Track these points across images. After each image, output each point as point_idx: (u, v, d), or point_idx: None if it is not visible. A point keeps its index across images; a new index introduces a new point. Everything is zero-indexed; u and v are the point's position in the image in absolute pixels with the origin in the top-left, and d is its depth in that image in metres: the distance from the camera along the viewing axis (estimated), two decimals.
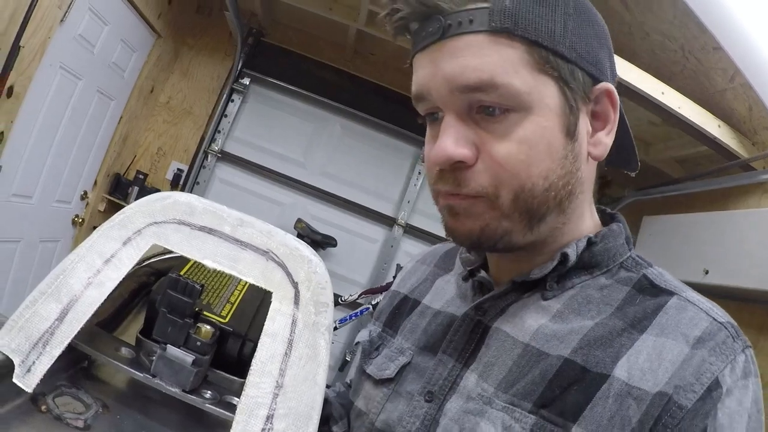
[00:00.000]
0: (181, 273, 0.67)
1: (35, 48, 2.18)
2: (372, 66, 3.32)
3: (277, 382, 0.53)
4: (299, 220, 3.23)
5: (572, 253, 0.56)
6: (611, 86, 0.55)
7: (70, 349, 0.56)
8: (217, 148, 3.34)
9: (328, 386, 0.65)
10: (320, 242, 3.20)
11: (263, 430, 0.51)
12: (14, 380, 0.52)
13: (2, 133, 2.19)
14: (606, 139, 0.56)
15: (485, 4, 0.50)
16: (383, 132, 3.35)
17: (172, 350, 0.60)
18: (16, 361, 0.52)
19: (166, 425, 0.50)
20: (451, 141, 0.51)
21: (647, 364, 0.48)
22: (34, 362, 0.53)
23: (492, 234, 0.54)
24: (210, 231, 0.59)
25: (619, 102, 0.56)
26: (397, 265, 3.15)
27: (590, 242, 0.57)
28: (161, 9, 2.93)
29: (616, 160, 0.63)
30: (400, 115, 3.21)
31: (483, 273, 0.63)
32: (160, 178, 3.35)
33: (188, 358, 0.59)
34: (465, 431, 0.52)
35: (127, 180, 3.19)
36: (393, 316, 0.72)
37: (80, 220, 2.93)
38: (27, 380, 0.52)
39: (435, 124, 0.56)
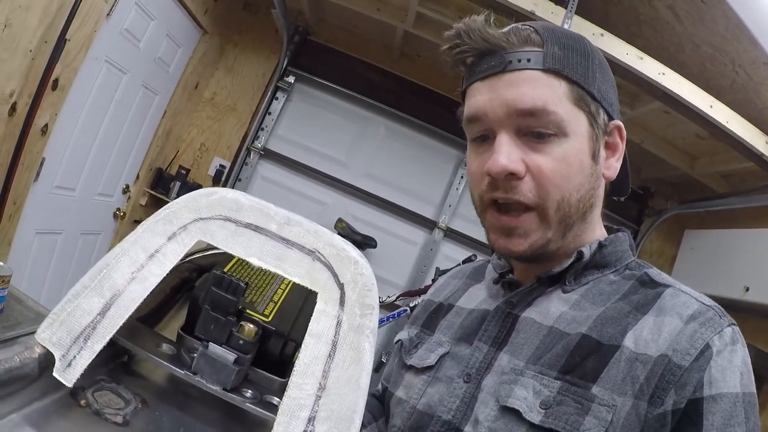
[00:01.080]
0: (225, 270, 0.67)
1: (81, 41, 2.19)
2: (418, 68, 3.25)
3: (320, 383, 0.52)
4: (340, 220, 3.19)
5: (587, 252, 0.69)
6: (621, 124, 0.70)
7: (111, 343, 0.56)
8: (260, 145, 3.32)
9: None
10: (360, 243, 3.15)
11: (304, 431, 0.50)
12: (54, 374, 0.52)
13: (46, 125, 2.20)
14: (616, 164, 0.71)
15: (539, 49, 0.64)
16: (427, 134, 3.28)
17: (214, 348, 0.60)
18: (57, 355, 0.52)
19: (206, 423, 0.51)
20: (506, 155, 0.63)
21: (650, 335, 0.60)
22: (75, 357, 0.52)
23: (538, 248, 0.66)
24: (256, 228, 0.58)
25: (625, 135, 0.71)
26: (437, 268, 3.08)
27: (601, 245, 0.70)
28: (208, 5, 2.92)
29: (612, 186, 0.75)
30: (444, 118, 3.14)
31: (511, 275, 0.76)
32: (202, 174, 3.35)
33: (230, 356, 0.59)
34: (501, 399, 0.62)
35: (169, 175, 3.21)
36: (429, 320, 0.82)
37: (122, 214, 2.96)
38: (67, 375, 0.52)
39: (483, 144, 0.68)
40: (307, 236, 0.58)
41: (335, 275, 0.56)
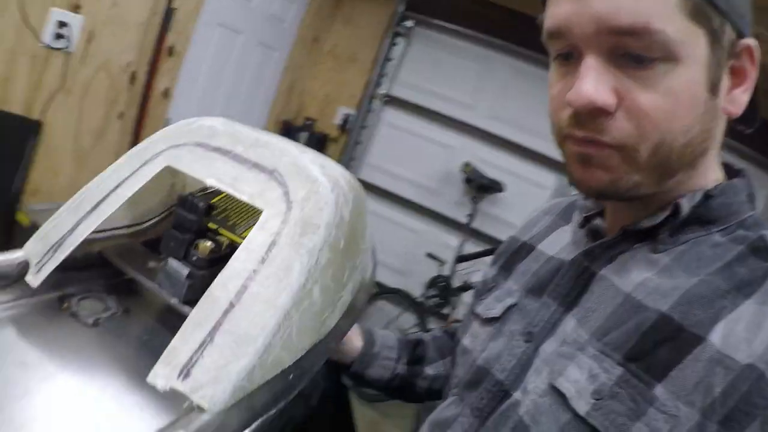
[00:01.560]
0: (214, 200, 0.70)
1: (190, 9, 2.43)
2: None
3: (233, 298, 0.50)
4: (467, 164, 3.18)
5: (686, 205, 0.54)
6: (754, 42, 0.52)
7: (106, 262, 0.66)
8: (383, 92, 3.39)
9: (427, 330, 0.76)
10: (487, 186, 3.12)
11: (202, 342, 0.48)
12: (26, 279, 0.59)
13: (168, 89, 2.51)
14: (743, 96, 0.53)
15: None
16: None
17: (171, 262, 0.64)
18: (32, 263, 0.59)
19: (171, 332, 0.50)
20: (593, 84, 0.49)
21: (744, 333, 0.46)
22: (44, 264, 0.59)
23: (621, 187, 0.52)
24: (223, 152, 0.59)
25: (758, 58, 0.53)
26: None
27: (707, 195, 0.54)
28: None
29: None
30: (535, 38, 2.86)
31: (599, 220, 0.64)
32: (328, 124, 3.53)
33: (184, 270, 0.63)
34: (554, 373, 0.53)
35: (296, 126, 3.43)
36: (509, 260, 0.74)
37: None
38: (35, 279, 0.59)
39: (568, 64, 0.53)
40: (271, 157, 0.57)
41: (287, 193, 0.55)
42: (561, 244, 0.68)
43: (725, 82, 0.52)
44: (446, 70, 3.29)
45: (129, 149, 0.64)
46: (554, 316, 0.59)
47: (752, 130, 0.61)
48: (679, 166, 0.52)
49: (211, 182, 0.57)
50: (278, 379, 0.51)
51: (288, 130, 3.39)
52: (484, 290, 0.73)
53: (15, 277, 0.59)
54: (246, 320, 0.48)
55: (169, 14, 2.32)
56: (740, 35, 0.52)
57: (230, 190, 0.56)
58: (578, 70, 0.50)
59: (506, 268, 0.73)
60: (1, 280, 0.59)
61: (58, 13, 1.88)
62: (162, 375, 0.46)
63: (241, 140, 0.59)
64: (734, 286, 0.49)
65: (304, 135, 3.37)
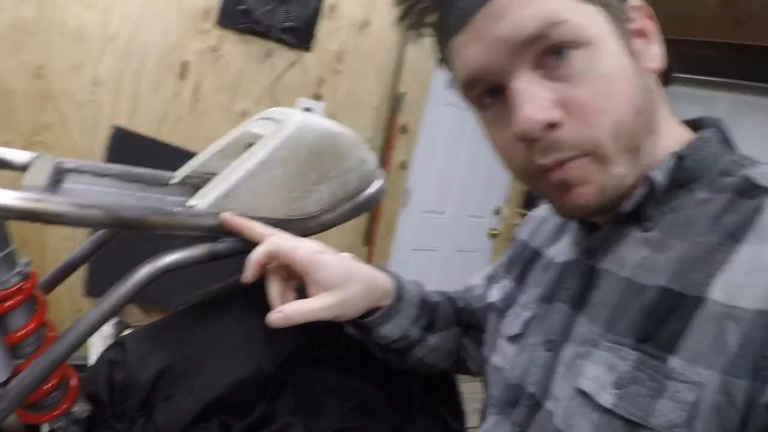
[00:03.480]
0: None
1: (417, 93, 2.77)
2: (755, 28, 2.78)
3: (235, 167, 0.67)
4: None
5: (659, 176, 0.52)
6: (638, 1, 0.54)
7: None
8: None
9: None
10: None
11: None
12: None
13: (404, 162, 2.84)
14: (657, 50, 0.54)
15: None
16: None
17: None
18: None
19: None
20: (532, 104, 0.48)
21: (745, 278, 0.44)
22: None
23: (611, 189, 0.51)
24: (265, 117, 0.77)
25: (651, 13, 0.55)
26: None
27: (678, 157, 0.53)
28: None
29: None
30: None
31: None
32: None
33: None
34: (575, 375, 0.52)
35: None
36: (523, 271, 0.72)
37: (496, 233, 3.33)
38: None
39: (496, 104, 0.53)
40: (283, 115, 0.72)
41: (280, 127, 0.69)
42: (564, 245, 0.65)
43: (636, 44, 0.52)
44: None
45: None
46: (568, 319, 0.57)
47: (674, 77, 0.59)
48: (643, 136, 0.51)
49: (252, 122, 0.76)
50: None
51: (532, 198, 3.41)
52: (504, 308, 0.70)
53: None
54: (232, 173, 0.65)
55: (398, 98, 2.68)
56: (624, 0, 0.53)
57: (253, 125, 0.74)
58: (509, 102, 0.50)
59: (521, 279, 0.71)
60: None
61: (304, 101, 2.38)
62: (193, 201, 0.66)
63: (277, 114, 0.75)
64: (726, 236, 0.47)
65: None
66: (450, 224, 3.13)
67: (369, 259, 2.80)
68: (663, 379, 0.45)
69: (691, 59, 2.96)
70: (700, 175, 0.53)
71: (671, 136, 0.55)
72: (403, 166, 2.83)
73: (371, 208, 0.79)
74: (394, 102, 2.68)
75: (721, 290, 0.44)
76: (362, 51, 2.53)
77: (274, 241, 0.62)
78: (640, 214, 0.53)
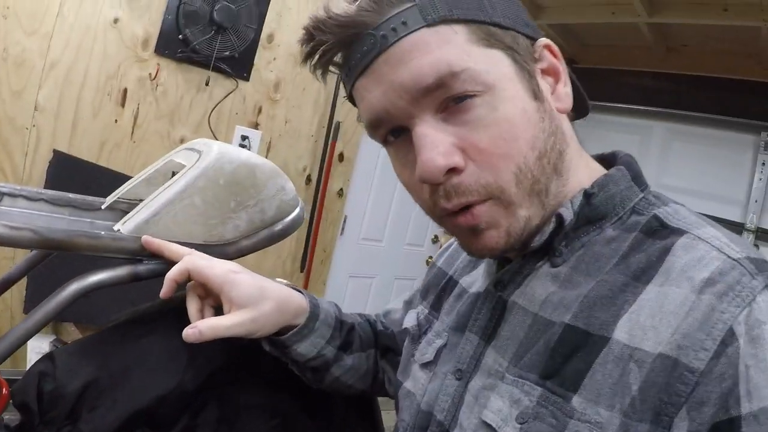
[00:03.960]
0: None
1: (354, 121, 2.87)
2: (688, 58, 2.88)
3: (158, 193, 0.79)
4: None
5: (567, 213, 0.52)
6: (548, 41, 0.54)
7: None
8: None
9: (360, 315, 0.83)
10: None
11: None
12: None
13: (341, 189, 2.93)
14: (565, 89, 0.54)
15: (410, 3, 0.49)
16: (712, 126, 2.83)
17: None
18: None
19: None
20: (434, 150, 0.48)
21: (649, 320, 0.44)
22: None
23: (518, 231, 0.52)
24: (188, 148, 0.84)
25: (560, 52, 0.55)
26: None
27: (587, 194, 0.53)
28: None
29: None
30: (730, 102, 2.67)
31: None
32: None
33: None
34: (480, 407, 0.53)
35: None
36: (438, 298, 0.73)
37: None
38: None
39: (401, 143, 0.53)
40: (205, 146, 0.78)
41: (199, 157, 0.76)
42: (477, 275, 0.66)
43: (544, 85, 0.53)
44: (606, 147, 3.16)
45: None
46: (477, 350, 0.58)
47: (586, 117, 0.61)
48: (546, 179, 0.51)
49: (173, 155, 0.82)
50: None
51: None
52: (419, 333, 0.71)
53: None
54: (155, 200, 0.71)
55: (335, 127, 2.78)
56: (533, 39, 0.53)
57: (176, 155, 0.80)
58: (413, 145, 0.50)
59: (435, 306, 0.72)
60: None
61: (242, 129, 2.45)
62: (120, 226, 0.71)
63: (199, 145, 0.82)
64: (632, 276, 0.47)
65: None
66: (387, 252, 3.23)
67: (306, 286, 2.85)
68: (564, 418, 0.45)
69: (626, 88, 3.09)
70: (608, 212, 0.53)
71: (583, 173, 0.55)
72: (341, 194, 2.92)
73: (288, 235, 0.85)
74: (331, 131, 2.78)
75: (624, 331, 0.44)
76: (299, 80, 2.63)
77: (190, 260, 0.65)
78: (548, 249, 0.54)
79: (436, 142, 0.48)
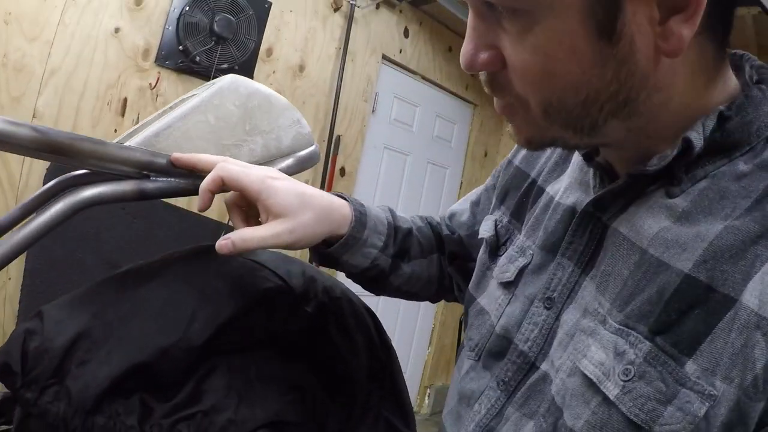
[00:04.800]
0: None
1: (354, 135, 2.86)
2: None
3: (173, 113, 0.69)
4: None
5: (697, 139, 0.43)
6: None
7: None
8: None
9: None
10: None
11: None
12: None
13: None
14: (682, 28, 0.39)
15: None
16: None
17: None
18: None
19: None
20: (469, 44, 0.45)
21: None
22: None
23: (543, 142, 0.48)
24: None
25: None
26: None
27: (722, 117, 0.44)
28: (467, 80, 3.32)
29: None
30: None
31: (602, 157, 0.53)
32: None
33: None
34: (577, 353, 0.47)
35: None
36: (520, 205, 0.65)
37: None
38: None
39: None
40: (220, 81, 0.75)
41: (213, 86, 0.72)
42: (568, 184, 0.58)
43: (644, 14, 0.39)
44: None
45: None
46: (571, 278, 0.52)
47: None
48: (593, 121, 0.44)
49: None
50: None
51: None
52: (497, 244, 0.65)
53: None
54: (165, 117, 0.68)
55: (334, 140, 2.75)
56: None
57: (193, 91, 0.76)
58: None
59: (517, 215, 0.65)
60: None
61: None
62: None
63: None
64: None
65: None
66: None
67: None
68: (675, 384, 0.39)
69: None
70: (744, 140, 0.44)
71: (713, 95, 0.45)
72: None
73: (305, 168, 0.81)
74: (332, 145, 2.75)
75: (755, 295, 0.38)
76: (298, 94, 2.62)
77: (223, 167, 0.59)
78: (669, 173, 0.45)
79: (476, 36, 0.45)
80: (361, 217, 0.68)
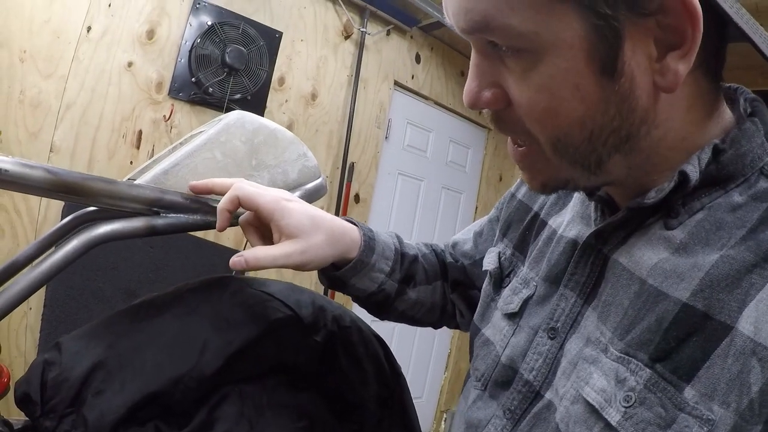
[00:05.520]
0: None
1: (368, 162, 2.87)
2: None
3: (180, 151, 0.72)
4: None
5: (693, 171, 0.44)
6: None
7: None
8: None
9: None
10: None
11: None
12: None
13: None
14: (679, 65, 0.40)
15: None
16: None
17: None
18: None
19: None
20: (473, 82, 0.46)
21: None
22: None
23: (557, 184, 0.49)
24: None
25: (700, 12, 0.38)
26: None
27: (716, 150, 0.45)
28: None
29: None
30: None
31: (603, 191, 0.54)
32: None
33: None
34: (580, 380, 0.47)
35: None
36: (523, 237, 0.67)
37: None
38: None
39: None
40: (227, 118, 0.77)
41: (220, 123, 0.74)
42: (570, 218, 0.59)
43: (642, 51, 0.41)
44: None
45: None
46: (574, 309, 0.53)
47: None
48: (598, 157, 0.45)
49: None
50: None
51: None
52: (501, 276, 0.66)
53: None
54: (173, 155, 0.69)
55: (347, 167, 2.77)
56: None
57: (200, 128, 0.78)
58: None
59: (520, 248, 0.66)
60: None
61: None
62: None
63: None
64: (764, 256, 0.41)
65: None
66: None
67: None
68: (674, 409, 0.40)
69: None
70: (736, 173, 0.45)
71: (709, 128, 0.47)
72: None
73: (313, 201, 0.82)
74: (346, 172, 2.76)
75: (750, 322, 0.39)
76: (311, 122, 2.65)
77: (239, 187, 0.62)
78: (666, 206, 0.47)
79: (480, 74, 0.46)
80: (369, 242, 0.70)
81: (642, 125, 0.44)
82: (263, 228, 0.65)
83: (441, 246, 0.83)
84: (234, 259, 0.60)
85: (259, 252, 0.61)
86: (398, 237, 0.77)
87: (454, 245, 0.82)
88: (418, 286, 0.75)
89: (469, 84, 0.46)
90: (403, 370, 0.78)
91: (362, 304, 0.74)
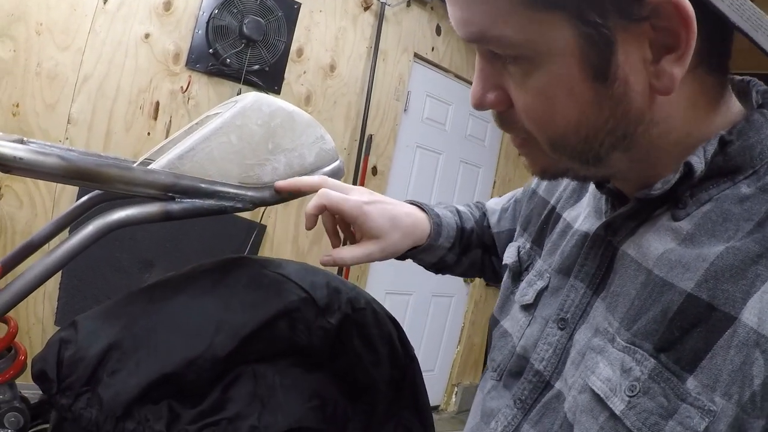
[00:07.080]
0: None
1: (386, 134, 2.85)
2: None
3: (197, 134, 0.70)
4: None
5: (698, 163, 0.45)
6: None
7: None
8: None
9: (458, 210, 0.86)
10: None
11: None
12: None
13: None
14: (674, 68, 0.41)
15: None
16: None
17: None
18: None
19: None
20: (478, 85, 0.49)
21: None
22: None
23: (556, 173, 0.51)
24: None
25: (693, 16, 0.38)
26: None
27: (723, 141, 0.45)
28: None
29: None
30: None
31: (612, 183, 0.56)
32: None
33: None
34: (587, 370, 0.48)
35: None
36: (540, 231, 0.69)
37: (471, 279, 3.35)
38: None
39: None
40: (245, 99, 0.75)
41: (236, 105, 0.75)
42: (583, 211, 0.61)
43: (637, 54, 0.41)
44: None
45: None
46: (584, 300, 0.54)
47: None
48: (595, 154, 0.46)
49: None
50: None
51: None
52: (520, 270, 0.68)
53: None
54: (189, 139, 0.68)
55: (366, 140, 2.75)
56: None
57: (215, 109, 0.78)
58: None
59: (537, 241, 0.68)
60: None
61: None
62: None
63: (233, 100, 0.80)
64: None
65: None
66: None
67: None
68: (676, 399, 0.40)
69: None
70: (744, 164, 0.45)
71: (715, 120, 0.47)
72: None
73: None
74: (364, 144, 2.74)
75: (754, 313, 0.39)
76: (330, 94, 2.62)
77: (325, 194, 0.68)
78: (673, 197, 0.47)
79: (484, 77, 0.48)
80: (438, 228, 0.77)
81: (638, 125, 0.45)
82: (342, 224, 0.74)
83: (484, 207, 0.91)
84: (323, 258, 0.70)
85: (345, 253, 0.70)
86: (458, 212, 0.85)
87: (487, 212, 0.89)
88: (472, 250, 0.84)
89: (475, 86, 0.49)
90: (416, 344, 0.80)
91: (424, 267, 0.83)
